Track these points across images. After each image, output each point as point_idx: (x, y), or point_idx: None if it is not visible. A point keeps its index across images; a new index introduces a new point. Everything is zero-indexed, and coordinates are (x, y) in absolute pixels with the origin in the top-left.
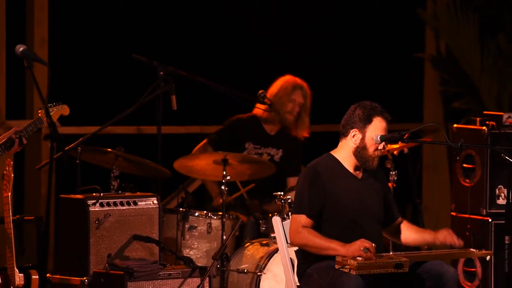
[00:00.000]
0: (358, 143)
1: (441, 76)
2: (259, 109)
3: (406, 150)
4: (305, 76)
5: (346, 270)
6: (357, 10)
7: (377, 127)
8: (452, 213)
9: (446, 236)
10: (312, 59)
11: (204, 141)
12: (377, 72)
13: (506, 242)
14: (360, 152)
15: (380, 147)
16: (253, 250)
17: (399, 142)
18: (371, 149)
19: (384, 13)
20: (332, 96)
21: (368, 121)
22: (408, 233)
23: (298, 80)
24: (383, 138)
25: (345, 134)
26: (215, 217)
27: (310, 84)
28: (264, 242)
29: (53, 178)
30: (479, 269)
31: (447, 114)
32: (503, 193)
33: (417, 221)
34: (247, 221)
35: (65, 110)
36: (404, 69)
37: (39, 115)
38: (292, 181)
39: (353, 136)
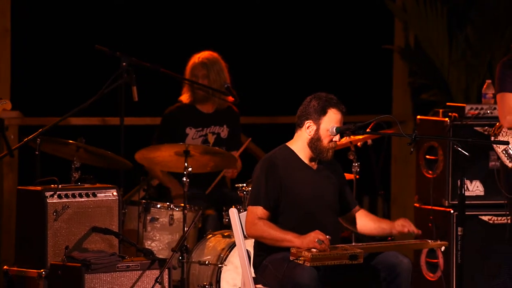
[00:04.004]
0: (313, 134)
1: (410, 68)
2: (184, 95)
3: (369, 141)
4: (274, 68)
5: (300, 262)
6: (326, 2)
7: (331, 118)
8: (415, 204)
9: (403, 225)
10: (281, 51)
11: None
12: (346, 64)
13: (459, 233)
14: (314, 143)
15: (335, 139)
16: (215, 242)
17: (362, 134)
18: (325, 141)
19: (353, 5)
20: (301, 88)
21: (323, 112)
22: (365, 222)
23: (196, 56)
24: (338, 130)
25: (300, 125)
26: (177, 209)
27: (279, 77)
28: (226, 233)
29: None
30: (441, 260)
31: (416, 106)
32: (465, 184)
33: (382, 213)
34: (211, 213)
35: (7, 104)
36: (372, 60)
37: None
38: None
39: (308, 128)
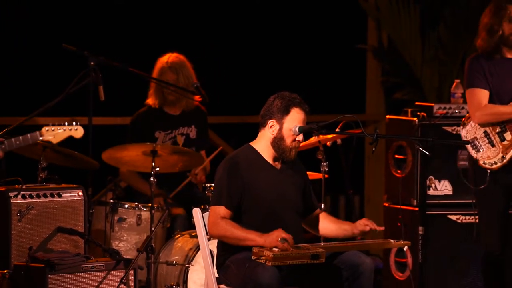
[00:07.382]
0: (276, 134)
1: (383, 67)
2: (151, 99)
3: (339, 141)
4: (246, 67)
5: (262, 261)
6: (299, 0)
7: (294, 118)
8: (384, 203)
9: (365, 224)
10: (253, 50)
11: None
12: (319, 63)
13: (420, 232)
14: (277, 143)
15: (298, 138)
16: (183, 242)
17: (326, 134)
18: (288, 140)
19: (326, 4)
20: (273, 88)
21: (286, 112)
22: (327, 224)
23: (163, 61)
24: (301, 130)
25: (263, 125)
26: (144, 209)
27: (251, 76)
28: (194, 233)
29: None
30: (409, 260)
31: (390, 105)
32: (434, 183)
33: (358, 212)
34: (180, 213)
35: (77, 132)
36: (346, 60)
37: (43, 131)
38: (204, 154)
39: (271, 127)
